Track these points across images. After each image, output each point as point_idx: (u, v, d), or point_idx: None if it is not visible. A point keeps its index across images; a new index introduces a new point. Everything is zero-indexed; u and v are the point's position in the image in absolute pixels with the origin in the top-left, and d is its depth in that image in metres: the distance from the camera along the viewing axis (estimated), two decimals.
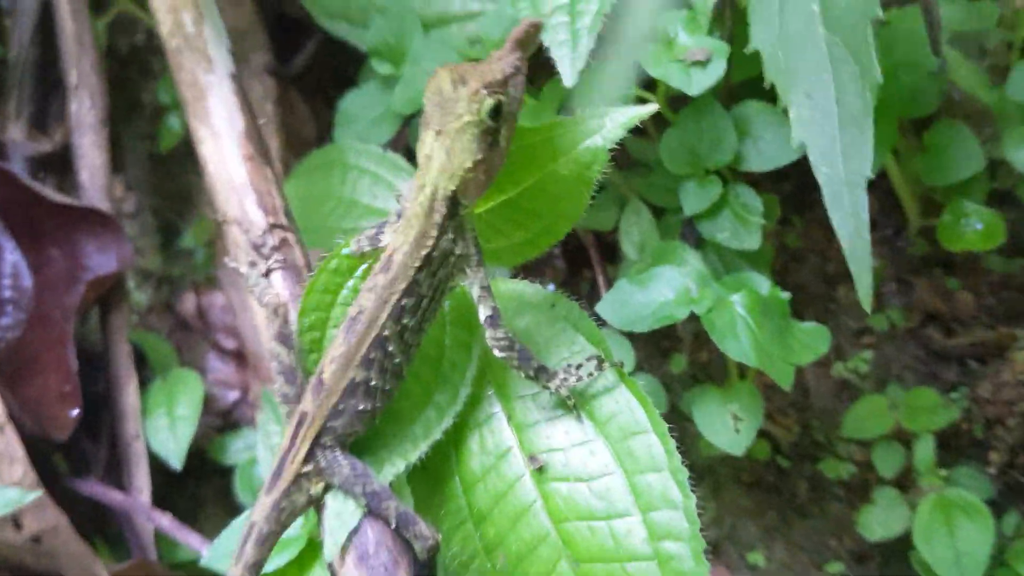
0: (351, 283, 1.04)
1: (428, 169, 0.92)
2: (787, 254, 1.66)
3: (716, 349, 1.28)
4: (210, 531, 1.45)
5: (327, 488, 1.01)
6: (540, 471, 1.02)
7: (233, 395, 1.63)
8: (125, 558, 1.49)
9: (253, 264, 1.11)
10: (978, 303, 1.56)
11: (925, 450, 1.43)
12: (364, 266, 1.03)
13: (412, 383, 1.04)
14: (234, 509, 1.55)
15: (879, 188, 1.61)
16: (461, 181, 0.91)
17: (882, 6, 1.75)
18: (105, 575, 1.38)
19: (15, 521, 1.32)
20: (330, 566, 1.01)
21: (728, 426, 1.34)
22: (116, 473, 1.46)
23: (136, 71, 1.90)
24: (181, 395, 1.48)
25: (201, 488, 1.62)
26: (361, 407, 0.97)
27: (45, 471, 1.40)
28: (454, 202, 0.93)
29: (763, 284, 1.34)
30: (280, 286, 1.10)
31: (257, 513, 1.00)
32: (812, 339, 1.29)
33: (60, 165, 1.70)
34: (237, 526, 1.17)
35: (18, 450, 1.33)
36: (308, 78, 1.93)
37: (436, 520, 1.04)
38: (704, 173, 1.38)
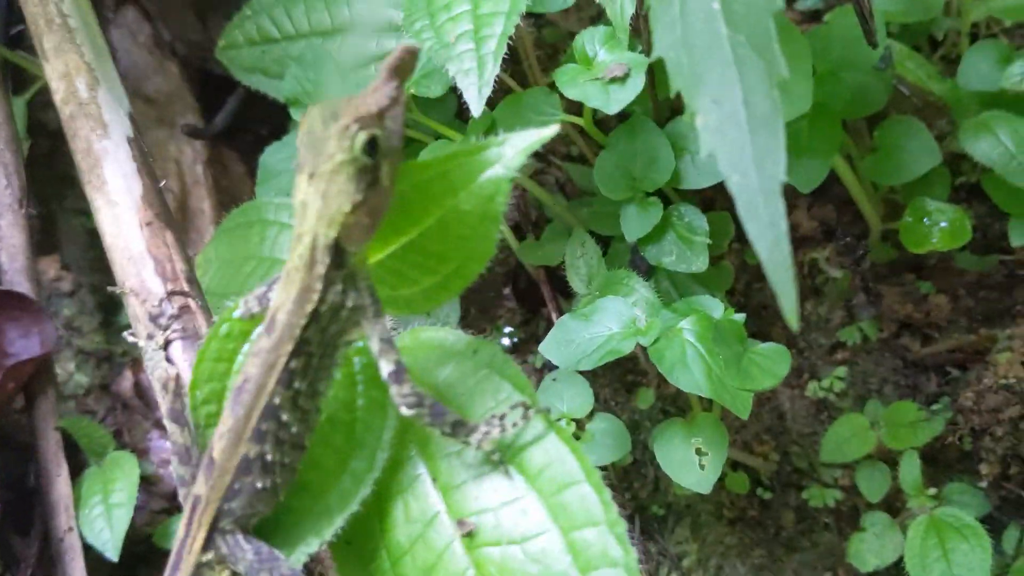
0: (246, 348, 0.95)
1: (305, 217, 0.83)
2: (748, 272, 1.57)
3: None
4: None
5: None
6: (470, 536, 0.93)
7: None
8: None
9: (151, 336, 1.03)
10: (954, 306, 1.47)
11: (911, 469, 1.33)
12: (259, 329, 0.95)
13: (321, 451, 0.95)
14: None
15: (835, 196, 1.53)
16: (342, 227, 0.83)
17: (824, 7, 1.69)
18: None
19: None
20: None
21: (692, 462, 1.24)
22: (49, 570, 1.36)
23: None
24: (117, 480, 1.39)
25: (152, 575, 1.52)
26: (259, 485, 0.88)
27: None
28: (338, 251, 0.84)
29: (716, 307, 1.25)
30: (180, 357, 1.02)
31: None
32: (771, 362, 1.20)
33: None
34: None
35: None
36: (244, 135, 1.87)
37: None
38: (644, 196, 1.30)
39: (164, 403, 0.94)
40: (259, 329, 0.87)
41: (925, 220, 1.35)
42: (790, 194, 1.36)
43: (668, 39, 0.90)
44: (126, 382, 1.58)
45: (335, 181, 0.81)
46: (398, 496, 0.96)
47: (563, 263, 1.46)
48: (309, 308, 0.85)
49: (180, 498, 0.94)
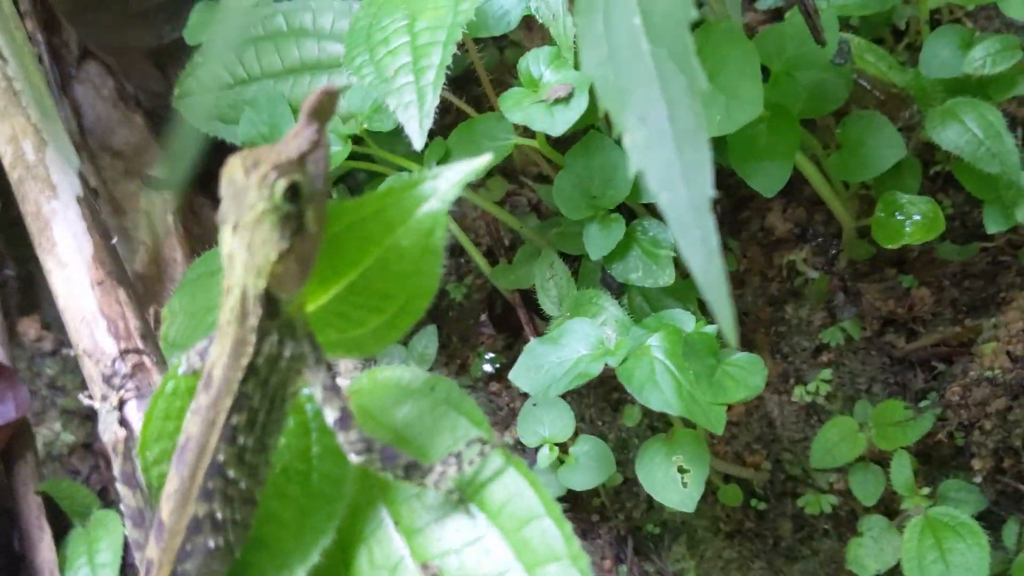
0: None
1: (232, 269, 0.82)
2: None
3: None
4: None
5: None
6: None
7: None
8: None
9: (104, 397, 1.02)
10: (938, 297, 1.44)
11: (902, 469, 1.30)
12: None
13: (277, 504, 0.93)
14: None
15: (805, 197, 1.51)
16: (271, 277, 0.81)
17: (785, 5, 1.67)
18: None
19: None
20: None
21: (675, 480, 1.22)
22: None
23: None
24: (102, 540, 1.37)
25: None
26: (212, 544, 0.87)
27: None
28: (270, 300, 0.83)
29: (688, 321, 1.23)
30: (135, 417, 1.01)
31: None
32: (745, 373, 1.17)
33: None
34: None
35: None
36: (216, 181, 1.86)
37: None
38: (605, 213, 1.28)
39: (116, 466, 0.92)
40: (199, 385, 0.85)
41: (897, 214, 1.32)
42: (763, 197, 1.34)
43: (594, 57, 0.88)
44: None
45: (259, 231, 0.80)
46: (361, 543, 0.94)
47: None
48: (245, 361, 0.83)
49: (136, 562, 0.92)
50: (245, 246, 0.80)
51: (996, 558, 1.27)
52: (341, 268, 0.92)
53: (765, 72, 1.27)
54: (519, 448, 1.57)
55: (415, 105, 1.08)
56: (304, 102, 0.83)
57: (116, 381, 1.03)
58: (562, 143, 1.32)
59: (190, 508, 0.85)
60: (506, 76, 1.63)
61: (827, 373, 1.43)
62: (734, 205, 1.58)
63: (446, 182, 0.89)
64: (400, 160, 1.35)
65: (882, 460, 1.36)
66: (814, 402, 1.44)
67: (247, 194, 0.79)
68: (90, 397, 1.05)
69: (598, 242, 1.27)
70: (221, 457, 0.85)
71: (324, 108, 0.83)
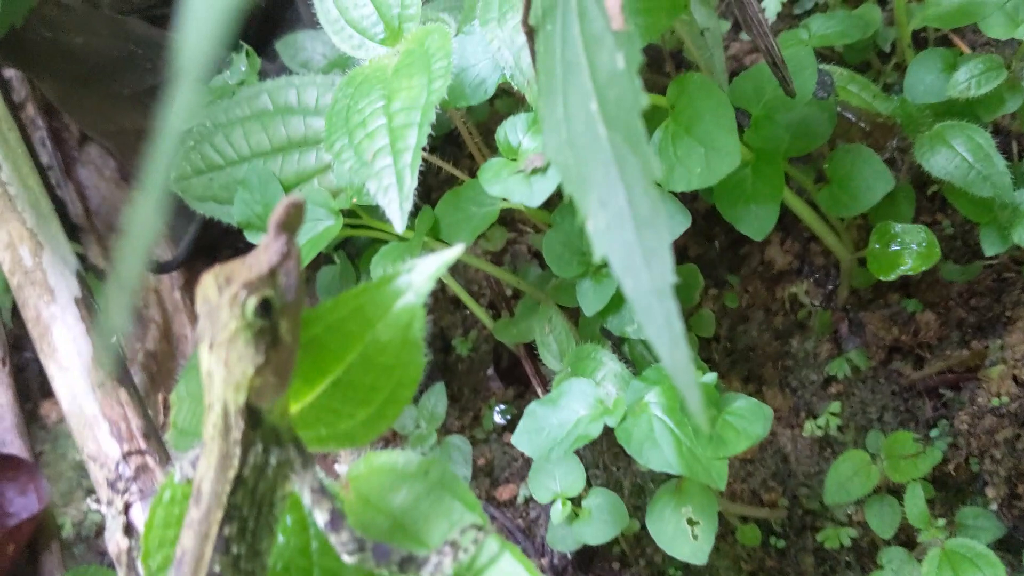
0: None
1: (211, 386, 0.83)
2: (730, 316, 1.54)
3: None
4: None
5: None
6: None
7: None
8: None
9: (109, 503, 1.04)
10: (944, 320, 1.43)
11: (915, 502, 1.29)
12: None
13: None
14: None
15: (802, 229, 1.50)
16: (250, 390, 0.82)
17: (745, 58, 1.66)
18: None
19: None
20: None
21: (685, 533, 1.22)
22: None
23: None
24: None
25: None
26: None
27: None
28: (252, 412, 0.84)
29: None
30: (140, 520, 1.03)
31: None
32: (746, 422, 1.17)
33: None
34: None
35: None
36: (225, 253, 1.88)
37: None
38: (597, 268, 1.28)
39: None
40: (191, 499, 0.87)
41: (892, 245, 1.31)
42: None
43: (555, 141, 0.89)
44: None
45: (234, 348, 0.81)
46: None
47: None
48: (232, 474, 0.84)
49: None
50: (222, 363, 0.82)
51: None
52: (325, 366, 0.93)
53: (748, 116, 1.27)
54: (532, 503, 1.58)
55: (395, 188, 1.09)
56: (271, 215, 0.84)
57: (120, 485, 1.05)
58: (550, 199, 1.33)
59: None
60: (497, 127, 1.64)
61: (836, 406, 1.43)
62: (732, 241, 1.58)
63: (421, 275, 0.90)
64: (391, 229, 1.36)
65: (898, 490, 1.34)
66: (826, 435, 1.44)
67: (220, 313, 0.81)
68: (98, 501, 1.07)
69: (591, 298, 1.27)
70: (217, 568, 0.86)
71: (292, 219, 0.84)
